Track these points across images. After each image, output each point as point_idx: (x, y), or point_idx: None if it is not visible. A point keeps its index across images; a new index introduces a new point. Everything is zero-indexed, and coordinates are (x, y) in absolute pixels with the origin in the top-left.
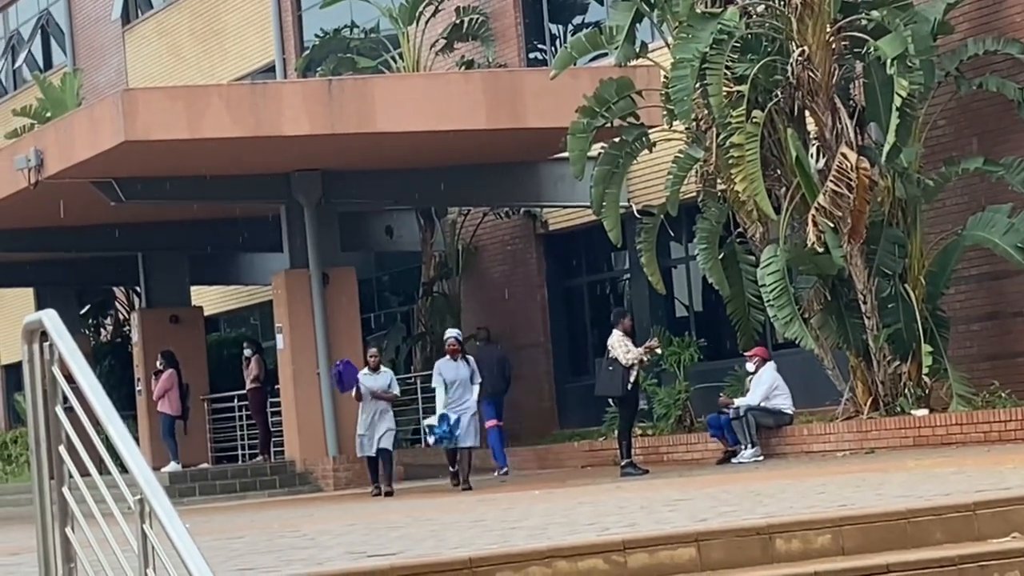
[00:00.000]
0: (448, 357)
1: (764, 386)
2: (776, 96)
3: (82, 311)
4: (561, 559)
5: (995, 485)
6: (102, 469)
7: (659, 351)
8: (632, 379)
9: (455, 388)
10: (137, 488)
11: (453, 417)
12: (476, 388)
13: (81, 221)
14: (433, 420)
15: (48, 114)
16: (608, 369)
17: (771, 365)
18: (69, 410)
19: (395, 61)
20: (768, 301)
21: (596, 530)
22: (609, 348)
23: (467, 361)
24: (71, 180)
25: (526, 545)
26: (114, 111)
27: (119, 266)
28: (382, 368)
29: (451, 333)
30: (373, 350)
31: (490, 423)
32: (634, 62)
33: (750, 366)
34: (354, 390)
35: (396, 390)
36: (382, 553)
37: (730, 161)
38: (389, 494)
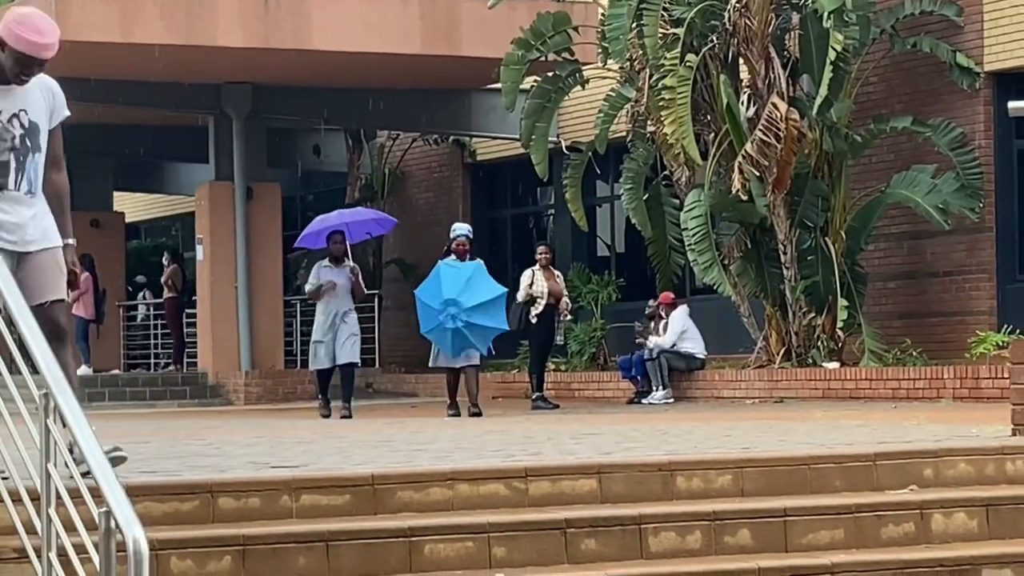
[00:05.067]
0: (453, 258)
1: (676, 328)
2: (711, 41)
3: None
4: (463, 482)
5: (898, 439)
6: (12, 368)
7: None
8: (536, 313)
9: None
10: (43, 383)
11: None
12: None
13: None
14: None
15: None
16: (515, 303)
17: (683, 309)
18: None
19: None
20: (689, 245)
21: (501, 457)
22: None
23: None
24: None
25: (429, 466)
26: (46, 9)
27: None
28: (347, 260)
29: (462, 230)
30: (338, 236)
31: None
32: None
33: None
34: (316, 288)
35: (363, 287)
36: (285, 465)
37: (661, 103)
38: (347, 416)
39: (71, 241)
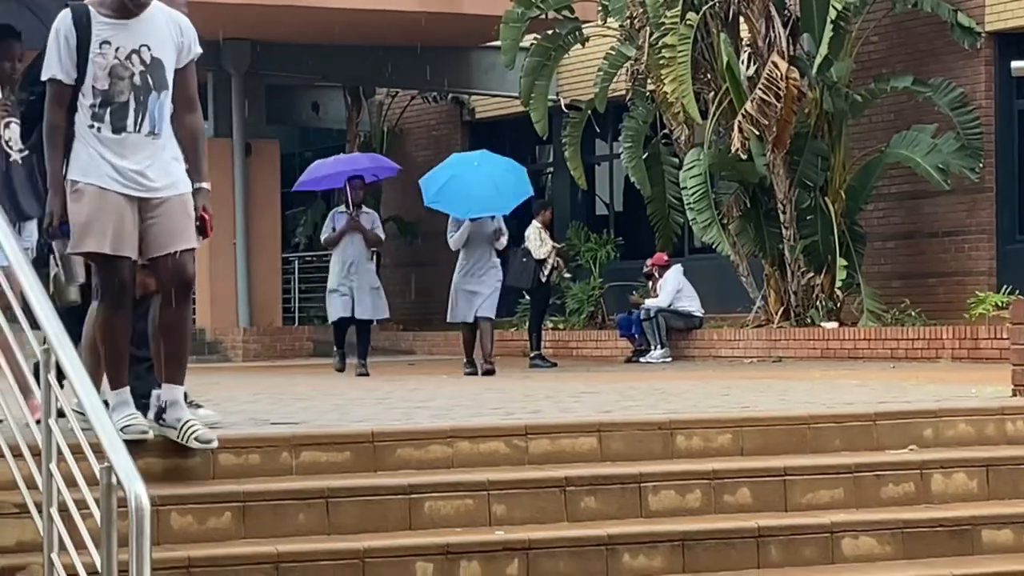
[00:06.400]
0: None
1: (669, 288)
2: (712, 0)
3: None
4: (463, 440)
5: (897, 399)
6: (12, 319)
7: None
8: (547, 272)
9: (477, 246)
10: (43, 337)
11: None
12: (499, 248)
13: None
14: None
15: None
16: (521, 260)
17: (676, 268)
18: None
19: None
20: (688, 204)
21: (500, 415)
22: (524, 239)
23: (492, 216)
24: None
25: (429, 424)
26: None
27: None
28: (364, 208)
29: None
30: (356, 181)
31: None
32: None
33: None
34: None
35: (381, 233)
36: (285, 422)
37: (661, 62)
38: (364, 374)
39: (206, 185)
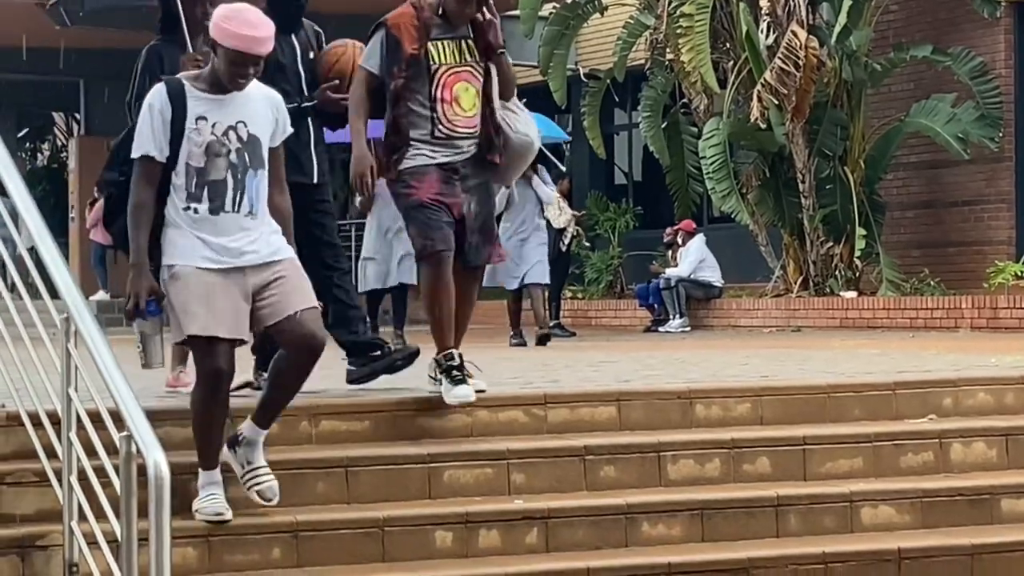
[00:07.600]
0: None
1: (692, 258)
2: None
3: (19, 134)
4: (482, 408)
5: (916, 368)
6: (32, 291)
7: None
8: (566, 242)
9: (519, 208)
10: (63, 307)
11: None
12: (546, 196)
13: (24, 43)
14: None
15: None
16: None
17: (700, 238)
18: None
19: None
20: (707, 174)
21: (519, 384)
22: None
23: (536, 170)
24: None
25: None
26: None
27: (60, 91)
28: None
29: None
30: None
31: None
32: None
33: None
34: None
35: None
36: (307, 392)
37: (679, 31)
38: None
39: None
